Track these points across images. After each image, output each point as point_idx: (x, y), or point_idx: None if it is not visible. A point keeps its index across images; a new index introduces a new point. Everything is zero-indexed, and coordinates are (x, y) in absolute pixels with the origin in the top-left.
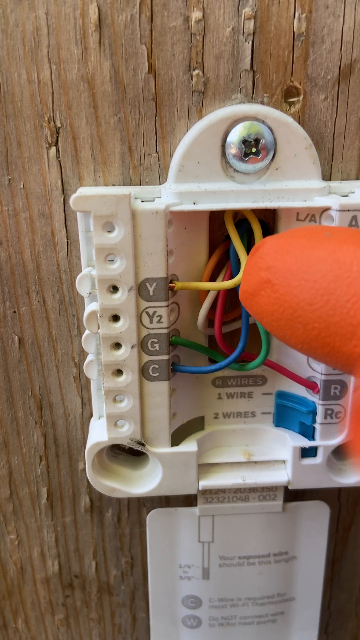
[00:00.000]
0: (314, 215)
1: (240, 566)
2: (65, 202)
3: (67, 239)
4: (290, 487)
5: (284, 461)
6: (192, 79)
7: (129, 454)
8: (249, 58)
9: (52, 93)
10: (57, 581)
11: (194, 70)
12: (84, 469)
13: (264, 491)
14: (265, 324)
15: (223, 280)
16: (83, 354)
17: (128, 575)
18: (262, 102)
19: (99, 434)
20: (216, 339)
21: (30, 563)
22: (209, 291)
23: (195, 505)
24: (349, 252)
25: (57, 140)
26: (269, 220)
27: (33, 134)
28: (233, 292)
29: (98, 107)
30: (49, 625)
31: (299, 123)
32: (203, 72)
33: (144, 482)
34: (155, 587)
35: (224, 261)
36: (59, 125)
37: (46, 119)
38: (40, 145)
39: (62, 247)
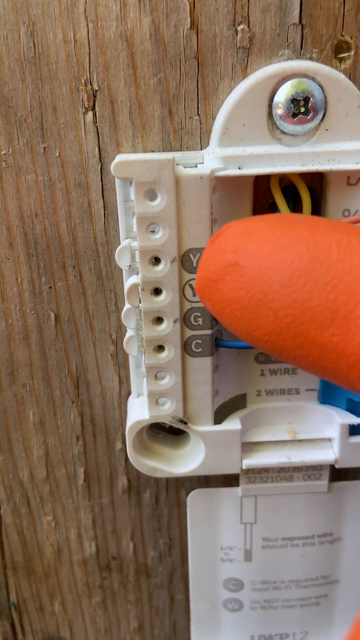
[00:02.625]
0: None
1: (284, 548)
2: (102, 170)
3: (104, 210)
4: (337, 466)
5: (330, 439)
6: (236, 34)
7: (168, 433)
8: (297, 11)
9: (89, 53)
10: (94, 563)
11: (239, 25)
12: (122, 449)
13: (309, 470)
14: (226, 314)
15: None
16: (120, 331)
17: (166, 557)
18: (310, 59)
19: (139, 412)
20: None
21: (67, 545)
22: None
23: (236, 485)
24: (327, 235)
25: (94, 104)
26: (316, 186)
27: (69, 98)
28: None
29: (137, 67)
30: (86, 608)
31: (350, 80)
32: (248, 26)
33: (186, 461)
34: (195, 570)
35: None
36: (96, 88)
37: (82, 81)
38: (77, 110)
39: (99, 218)
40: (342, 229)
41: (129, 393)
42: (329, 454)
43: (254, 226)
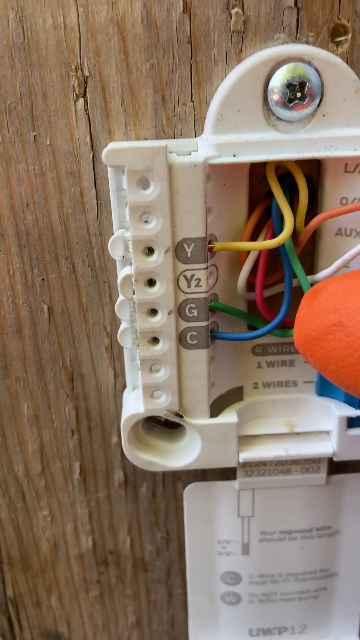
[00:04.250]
0: None
1: (282, 541)
2: (94, 159)
3: (96, 200)
4: (335, 459)
5: (328, 432)
6: (230, 18)
7: (164, 427)
8: None
9: (80, 39)
10: (91, 557)
11: (232, 8)
12: (118, 443)
13: (307, 463)
14: (331, 371)
15: (265, 240)
16: (115, 323)
17: (163, 551)
18: (306, 42)
19: (134, 405)
20: (257, 304)
21: (63, 539)
22: (249, 252)
23: (233, 479)
24: None
25: (85, 90)
26: (312, 173)
27: (59, 84)
28: (274, 253)
29: (129, 52)
30: (83, 602)
31: (347, 64)
32: (243, 10)
33: (182, 455)
34: (193, 563)
35: (264, 220)
36: (87, 74)
37: (73, 67)
38: (67, 96)
39: (91, 208)
40: None
41: (124, 386)
42: (327, 447)
43: (353, 285)
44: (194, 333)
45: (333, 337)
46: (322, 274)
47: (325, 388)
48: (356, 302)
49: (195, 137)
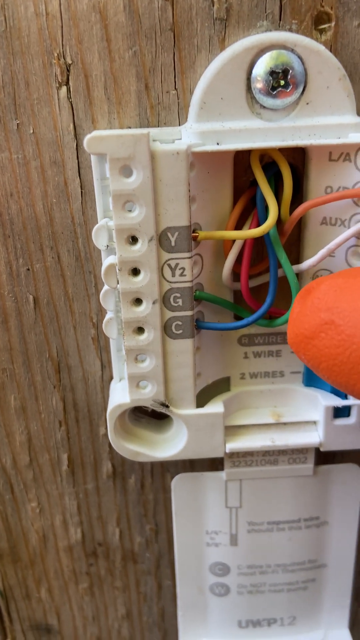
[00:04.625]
0: (349, 153)
1: (270, 532)
2: (78, 147)
3: (81, 189)
4: (322, 449)
5: (315, 422)
6: (213, 5)
7: (151, 417)
8: None
9: (62, 26)
10: (80, 549)
11: None
12: (105, 434)
13: (294, 454)
14: (323, 369)
15: (250, 229)
16: (101, 314)
17: (153, 543)
18: (290, 30)
19: (120, 396)
20: (242, 294)
21: (52, 531)
22: (234, 241)
23: (221, 469)
24: None
25: (67, 78)
26: (297, 162)
27: (42, 72)
28: (260, 243)
29: (111, 40)
30: (73, 595)
31: (331, 52)
32: None
33: (169, 445)
34: (181, 555)
35: (249, 209)
36: (70, 62)
37: (55, 55)
38: (50, 84)
39: (76, 198)
40: None
41: (112, 377)
42: (313, 437)
43: (345, 283)
44: (179, 323)
45: (325, 336)
46: (307, 263)
47: (311, 378)
48: (347, 301)
49: (179, 125)
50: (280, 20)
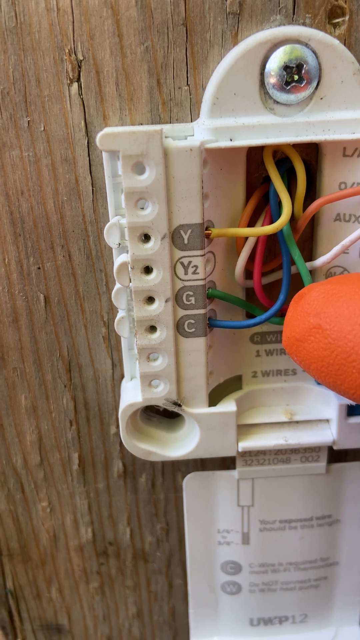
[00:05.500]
0: None
1: (282, 530)
2: (89, 145)
3: (92, 187)
4: (335, 447)
5: (328, 420)
6: None
7: (163, 416)
8: None
9: (73, 22)
10: (91, 549)
11: None
12: (116, 433)
13: (307, 452)
14: (313, 370)
15: (262, 226)
16: (112, 313)
17: (163, 542)
18: (303, 24)
19: (132, 395)
20: (255, 291)
21: (63, 531)
22: (247, 239)
23: (232, 468)
24: None
25: (79, 75)
26: (310, 158)
27: (53, 69)
28: (273, 240)
29: (123, 35)
30: (84, 594)
31: (345, 46)
32: None
33: (181, 444)
34: (193, 553)
35: (262, 206)
36: (81, 58)
37: (67, 51)
38: (61, 81)
39: (87, 195)
40: None
41: (122, 376)
42: (326, 436)
43: (334, 290)
44: (192, 321)
45: (314, 339)
46: (320, 260)
47: None
48: (335, 307)
49: (192, 121)
50: (293, 14)
